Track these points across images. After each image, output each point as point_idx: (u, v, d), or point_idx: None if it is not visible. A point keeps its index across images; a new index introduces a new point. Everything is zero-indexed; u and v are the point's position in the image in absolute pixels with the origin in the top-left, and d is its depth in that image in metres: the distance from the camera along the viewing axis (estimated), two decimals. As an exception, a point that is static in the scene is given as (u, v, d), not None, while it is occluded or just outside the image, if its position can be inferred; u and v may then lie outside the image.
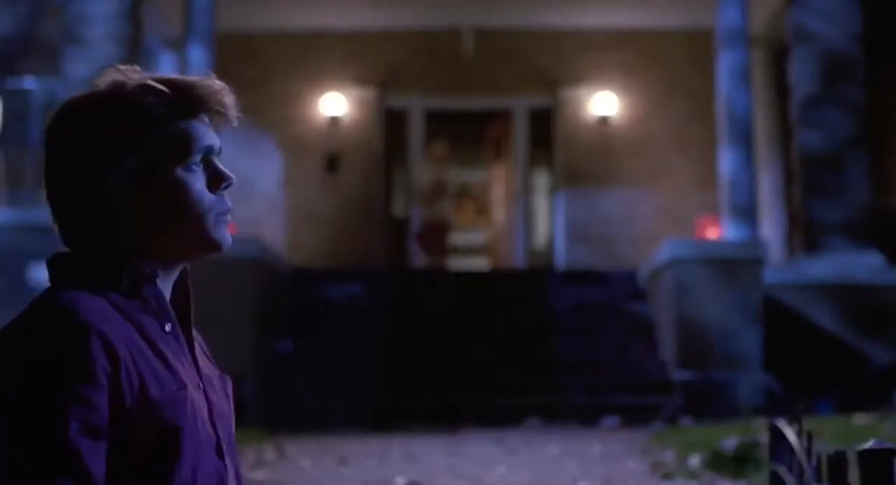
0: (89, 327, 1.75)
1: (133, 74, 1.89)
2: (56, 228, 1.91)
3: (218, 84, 1.91)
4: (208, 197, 1.88)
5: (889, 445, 1.89)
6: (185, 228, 1.87)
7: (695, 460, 7.42)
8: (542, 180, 17.44)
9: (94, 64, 12.08)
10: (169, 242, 1.88)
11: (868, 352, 12.06)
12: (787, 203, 15.61)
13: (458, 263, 17.73)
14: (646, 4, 15.83)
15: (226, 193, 1.91)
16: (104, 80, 1.89)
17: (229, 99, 1.91)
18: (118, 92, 1.87)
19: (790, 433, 3.38)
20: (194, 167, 1.88)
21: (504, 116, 17.40)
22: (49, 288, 1.86)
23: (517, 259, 17.05)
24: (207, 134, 1.90)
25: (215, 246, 1.90)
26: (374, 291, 13.30)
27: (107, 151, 1.85)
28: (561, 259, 16.50)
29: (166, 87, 1.87)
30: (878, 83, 14.44)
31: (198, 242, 1.89)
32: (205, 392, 1.90)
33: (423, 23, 16.46)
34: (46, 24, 13.55)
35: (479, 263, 18.56)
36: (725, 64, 13.19)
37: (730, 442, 7.23)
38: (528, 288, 13.66)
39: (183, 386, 1.84)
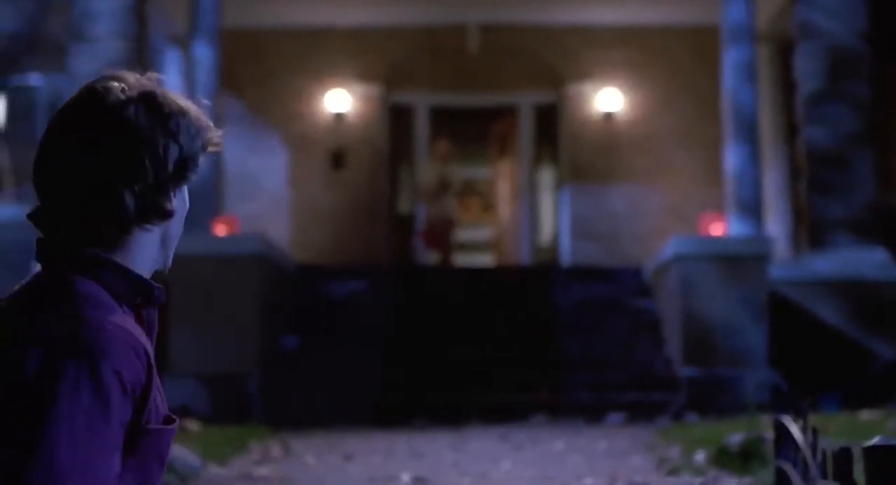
0: (138, 341, 1.71)
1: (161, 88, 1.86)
2: (49, 215, 1.83)
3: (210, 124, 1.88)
4: None
5: (894, 441, 1.90)
6: (171, 246, 1.86)
7: (700, 456, 7.43)
8: (547, 177, 17.44)
9: (99, 61, 12.07)
10: (155, 256, 1.84)
11: (873, 348, 12.05)
12: (793, 200, 15.60)
13: (463, 260, 17.73)
14: (651, 1, 15.82)
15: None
16: (133, 84, 1.83)
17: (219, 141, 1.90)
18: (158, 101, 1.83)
19: (795, 429, 3.38)
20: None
21: (509, 113, 17.40)
22: (67, 276, 1.77)
23: (522, 256, 17.05)
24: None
25: (165, 266, 1.88)
26: (379, 288, 13.31)
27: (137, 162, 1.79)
28: (566, 256, 16.51)
29: (196, 115, 1.85)
30: (883, 80, 14.42)
31: (164, 260, 1.86)
32: None
33: (427, 19, 16.46)
34: (52, 20, 13.55)
35: (485, 260, 18.57)
36: (731, 60, 13.18)
37: (735, 438, 7.24)
38: (533, 284, 13.65)
39: (173, 418, 1.80)
